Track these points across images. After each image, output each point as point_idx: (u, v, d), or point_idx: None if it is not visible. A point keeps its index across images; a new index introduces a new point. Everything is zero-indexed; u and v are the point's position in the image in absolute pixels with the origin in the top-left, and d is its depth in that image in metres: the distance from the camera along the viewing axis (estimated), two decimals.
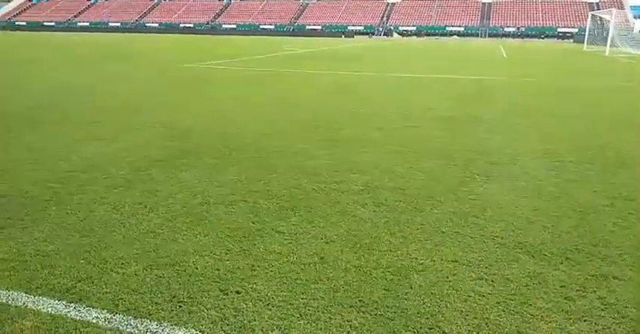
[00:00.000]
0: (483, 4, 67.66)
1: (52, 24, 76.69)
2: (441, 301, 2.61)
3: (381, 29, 66.48)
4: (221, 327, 2.38)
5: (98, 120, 7.34)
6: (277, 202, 4.00)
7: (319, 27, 68.31)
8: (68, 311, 2.50)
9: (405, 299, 2.62)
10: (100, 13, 78.39)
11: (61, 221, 3.62)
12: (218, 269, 2.92)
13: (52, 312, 2.49)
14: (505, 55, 27.48)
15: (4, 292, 2.66)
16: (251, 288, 2.72)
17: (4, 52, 24.84)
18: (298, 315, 2.48)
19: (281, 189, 4.30)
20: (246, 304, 2.57)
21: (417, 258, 3.07)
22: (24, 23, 77.58)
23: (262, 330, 2.36)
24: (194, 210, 3.84)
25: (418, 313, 2.50)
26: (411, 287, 2.74)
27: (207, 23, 73.21)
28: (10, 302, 2.57)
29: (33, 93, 10.34)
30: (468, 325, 2.41)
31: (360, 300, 2.61)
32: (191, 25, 72.75)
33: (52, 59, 20.24)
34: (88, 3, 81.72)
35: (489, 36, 62.00)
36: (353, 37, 61.90)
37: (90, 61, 19.65)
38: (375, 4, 72.09)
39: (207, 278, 2.83)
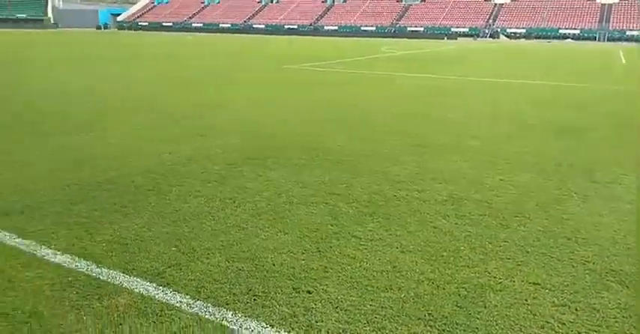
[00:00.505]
0: (603, 5, 62.40)
1: (170, 24, 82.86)
2: (515, 324, 2.50)
3: (486, 31, 63.84)
4: (290, 324, 2.49)
5: (201, 116, 7.85)
6: (357, 207, 4.05)
7: (421, 29, 67.13)
8: (157, 294, 2.74)
9: (477, 318, 2.55)
10: (212, 15, 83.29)
11: (159, 210, 3.95)
12: (293, 268, 3.03)
13: (143, 293, 2.74)
14: (624, 61, 25.18)
15: (105, 270, 2.98)
16: (322, 289, 2.80)
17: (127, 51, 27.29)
18: (365, 322, 2.51)
19: (362, 194, 4.34)
20: (315, 304, 2.66)
21: (495, 277, 2.97)
22: (146, 24, 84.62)
23: (328, 332, 2.43)
24: (278, 208, 4.01)
25: None
26: (485, 307, 2.65)
27: (310, 25, 74.95)
28: (109, 279, 2.87)
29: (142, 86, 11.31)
30: None
31: (429, 313, 2.58)
32: (295, 27, 74.92)
33: (163, 56, 21.91)
34: (202, 5, 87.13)
35: (608, 40, 57.10)
36: (456, 39, 60.08)
37: (197, 59, 21.00)
38: (481, 4, 69.32)
39: (283, 275, 2.95)
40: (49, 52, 24.84)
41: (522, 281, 2.92)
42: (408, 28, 67.85)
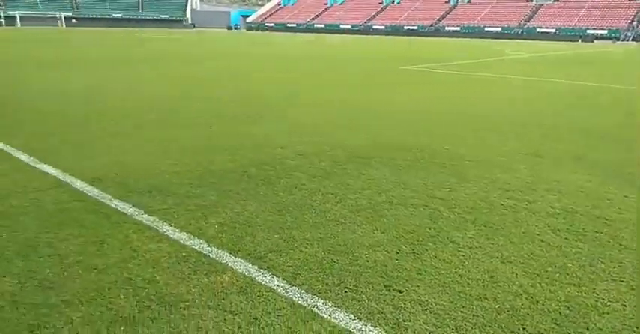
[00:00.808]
0: None
1: (294, 25, 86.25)
2: None
3: (629, 34, 57.67)
4: (377, 319, 2.54)
5: (310, 113, 8.14)
6: (458, 212, 3.97)
7: (552, 30, 62.54)
8: (257, 275, 2.95)
9: None
10: (334, 16, 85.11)
11: (267, 199, 4.21)
12: (386, 266, 3.08)
13: (245, 273, 2.97)
14: None
15: (215, 249, 3.26)
16: (413, 290, 2.81)
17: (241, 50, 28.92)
18: (453, 327, 2.49)
19: (466, 200, 4.24)
20: (404, 304, 2.68)
21: (604, 299, 2.76)
22: (272, 25, 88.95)
23: (415, 332, 2.45)
24: (377, 206, 4.06)
25: None
26: (587, 329, 2.48)
27: (431, 25, 73.43)
28: (217, 258, 3.15)
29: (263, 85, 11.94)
30: None
31: (523, 328, 2.48)
32: (415, 28, 73.91)
33: (263, 56, 22.87)
34: (325, 6, 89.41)
35: None
36: (592, 41, 55.13)
37: (309, 59, 21.63)
38: (624, 3, 62.71)
39: (375, 272, 3.01)
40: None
41: (635, 306, 2.68)
42: (538, 30, 63.62)
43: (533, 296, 2.77)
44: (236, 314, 2.57)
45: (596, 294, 2.80)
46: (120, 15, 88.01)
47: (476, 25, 69.25)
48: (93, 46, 26.91)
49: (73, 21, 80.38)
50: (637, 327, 2.50)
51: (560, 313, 2.61)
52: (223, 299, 2.71)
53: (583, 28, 60.81)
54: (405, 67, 18.01)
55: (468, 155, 5.73)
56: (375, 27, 78.15)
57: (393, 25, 76.46)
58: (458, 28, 69.73)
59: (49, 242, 3.31)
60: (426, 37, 64.75)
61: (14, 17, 74.31)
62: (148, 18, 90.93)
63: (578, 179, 4.90)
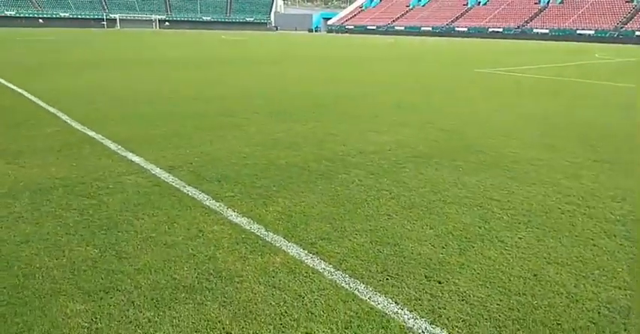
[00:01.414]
0: None
1: (374, 27, 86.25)
2: None
3: None
4: (414, 305, 2.68)
5: (377, 115, 8.27)
6: (512, 214, 3.97)
7: None
8: (306, 259, 3.18)
9: None
10: (416, 18, 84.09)
11: (324, 192, 4.44)
12: (430, 259, 3.19)
13: (296, 256, 3.21)
14: None
15: (271, 234, 3.53)
16: (453, 282, 2.92)
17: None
18: (487, 317, 2.57)
19: (522, 203, 4.22)
20: (442, 293, 2.79)
21: None
22: (352, 27, 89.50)
23: (449, 319, 2.56)
24: (430, 204, 4.16)
25: None
26: (625, 330, 2.47)
27: (517, 27, 70.44)
28: (272, 242, 3.42)
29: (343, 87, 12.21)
30: None
31: (558, 323, 2.52)
32: (500, 30, 71.27)
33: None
34: (408, 8, 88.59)
35: None
36: None
37: (385, 61, 21.63)
38: None
39: (418, 263, 3.14)
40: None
41: None
42: (637, 33, 59.05)
43: (574, 295, 2.78)
44: (283, 290, 2.82)
45: None
46: (209, 18, 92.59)
47: (567, 28, 65.56)
48: (178, 48, 28.63)
49: (166, 23, 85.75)
50: None
51: (599, 313, 2.61)
52: (273, 277, 2.96)
53: None
54: (480, 70, 17.57)
55: (533, 159, 5.63)
56: (457, 29, 76.28)
57: (477, 27, 74.21)
58: (547, 31, 66.38)
59: (128, 219, 3.75)
60: (512, 39, 62.21)
61: (115, 19, 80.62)
62: (235, 21, 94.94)
63: None
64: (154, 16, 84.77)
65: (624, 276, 3.00)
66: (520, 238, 3.52)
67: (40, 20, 75.10)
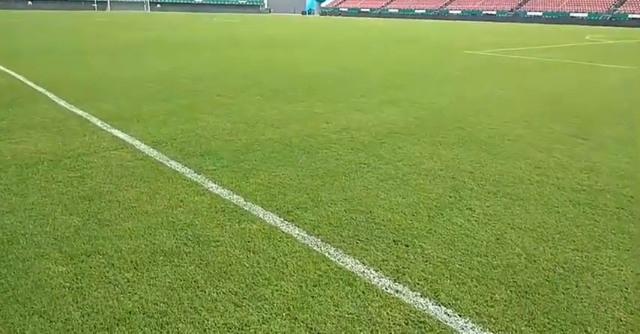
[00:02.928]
0: None
1: (368, 10, 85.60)
2: (602, 306, 2.46)
3: None
4: (380, 266, 2.83)
5: (363, 95, 8.36)
6: (483, 184, 4.12)
7: None
8: (282, 226, 3.32)
9: (563, 293, 2.57)
10: (409, 1, 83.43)
11: (304, 166, 4.56)
12: (399, 225, 3.34)
13: (272, 223, 3.35)
14: None
15: (250, 204, 3.66)
16: (419, 246, 3.07)
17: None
18: (448, 276, 2.73)
19: (494, 174, 4.37)
20: (408, 255, 2.94)
21: (602, 263, 2.88)
22: (345, 9, 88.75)
23: (411, 278, 2.71)
24: (405, 176, 4.30)
25: (575, 314, 2.44)
26: (577, 286, 2.64)
27: (511, 10, 70.16)
28: (250, 210, 3.55)
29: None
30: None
31: (514, 281, 2.68)
32: (493, 13, 70.98)
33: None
34: None
35: None
36: None
37: (371, 42, 21.60)
38: None
39: (388, 229, 3.28)
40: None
41: (632, 272, 2.78)
42: (629, 16, 59.05)
43: (533, 256, 2.94)
44: (257, 253, 2.96)
45: (596, 259, 2.91)
46: (201, 0, 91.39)
47: (560, 11, 65.40)
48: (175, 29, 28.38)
49: (158, 5, 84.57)
50: (626, 288, 2.61)
51: (554, 271, 2.77)
52: (249, 241, 3.10)
53: None
54: (469, 52, 17.61)
55: (510, 134, 5.77)
56: (451, 11, 75.88)
57: (470, 9, 73.84)
58: (540, 14, 66.22)
59: (111, 191, 3.86)
60: (505, 22, 62.00)
61: (105, 2, 79.40)
62: (227, 3, 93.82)
63: (618, 161, 4.85)
64: None
65: (582, 240, 3.16)
66: (488, 206, 3.68)
67: (30, 2, 73.91)
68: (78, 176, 4.16)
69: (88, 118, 6.16)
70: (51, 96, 7.52)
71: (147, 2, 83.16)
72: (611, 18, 60.03)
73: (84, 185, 3.98)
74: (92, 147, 4.95)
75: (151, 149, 4.93)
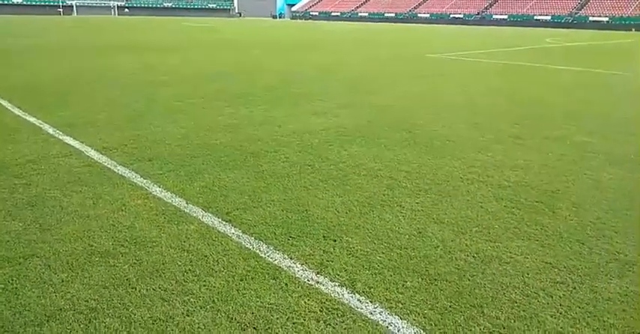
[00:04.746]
0: None
1: (338, 14, 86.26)
2: (502, 290, 2.70)
3: None
4: (306, 259, 3.01)
5: (322, 99, 8.57)
6: (417, 183, 4.36)
7: (605, 18, 59.90)
8: (219, 226, 3.47)
9: (469, 280, 2.80)
10: (378, 5, 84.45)
11: (250, 169, 4.72)
12: (331, 222, 3.53)
13: (209, 224, 3.50)
14: None
15: (191, 206, 3.81)
16: (346, 240, 3.26)
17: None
18: (367, 267, 2.93)
19: (428, 173, 4.61)
20: (333, 249, 3.14)
21: (511, 253, 3.12)
22: (316, 13, 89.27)
23: (333, 269, 2.91)
24: (345, 177, 4.50)
25: (476, 298, 2.67)
26: (483, 273, 2.87)
27: (478, 14, 71.74)
28: (189, 212, 3.69)
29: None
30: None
31: (427, 270, 2.90)
32: (461, 16, 72.45)
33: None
34: None
35: None
36: None
37: (336, 46, 21.92)
38: None
39: (321, 226, 3.47)
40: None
41: (537, 259, 3.03)
42: (590, 18, 61.09)
43: (449, 248, 3.17)
44: (191, 252, 3.11)
45: (506, 249, 3.16)
46: (170, 4, 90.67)
47: (524, 14, 67.17)
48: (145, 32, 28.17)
49: (126, 10, 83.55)
50: (527, 273, 2.86)
51: (465, 261, 3.00)
52: (184, 241, 3.25)
53: (639, 16, 57.90)
54: (432, 55, 18.06)
55: (454, 136, 6.05)
56: (420, 15, 77.12)
57: (438, 13, 75.19)
58: (505, 17, 67.90)
59: (56, 196, 3.95)
60: (472, 25, 63.38)
61: (71, 6, 78.04)
62: (196, 7, 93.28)
63: (549, 159, 5.16)
64: (112, 3, 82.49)
65: (498, 231, 3.42)
66: (417, 203, 3.91)
67: None
68: (24, 183, 4.24)
69: (41, 126, 6.19)
70: (4, 103, 7.50)
71: (114, 7, 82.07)
72: (573, 20, 61.98)
73: (29, 191, 4.05)
74: (41, 154, 5.01)
75: (101, 155, 5.02)
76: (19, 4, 75.29)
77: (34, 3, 77.18)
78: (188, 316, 2.48)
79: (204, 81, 10.50)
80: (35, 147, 5.28)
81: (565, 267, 2.95)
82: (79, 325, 2.40)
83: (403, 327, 2.39)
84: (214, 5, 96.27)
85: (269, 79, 11.05)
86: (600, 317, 2.50)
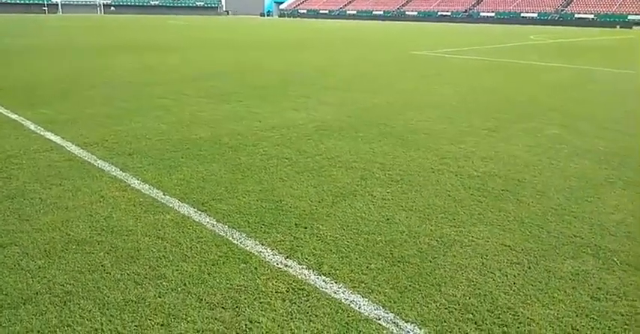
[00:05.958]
0: None
1: (327, 12, 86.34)
2: (460, 270, 2.84)
3: None
4: (277, 245, 3.13)
5: (306, 95, 8.68)
6: (390, 174, 4.49)
7: (591, 16, 60.64)
8: (194, 215, 3.58)
9: (430, 261, 2.94)
10: (367, 3, 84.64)
11: (228, 162, 4.83)
12: (304, 211, 3.66)
13: (185, 214, 3.61)
14: None
15: (168, 197, 3.91)
16: (316, 227, 3.39)
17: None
18: (336, 252, 3.06)
19: (401, 165, 4.76)
20: (304, 236, 3.26)
21: (472, 237, 3.27)
22: (305, 11, 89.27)
23: (302, 254, 3.03)
24: (321, 169, 4.63)
25: (435, 278, 2.81)
26: (444, 255, 3.01)
27: (465, 11, 72.21)
28: (166, 203, 3.79)
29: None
30: None
31: (391, 253, 3.03)
32: (448, 14, 72.89)
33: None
34: None
35: None
36: (631, 27, 53.20)
37: (323, 44, 22.04)
38: None
39: (293, 215, 3.59)
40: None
41: (496, 243, 3.18)
42: (576, 15, 61.79)
43: (414, 233, 3.31)
44: (165, 240, 3.22)
45: (468, 233, 3.31)
46: (157, 2, 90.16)
47: (511, 11, 67.72)
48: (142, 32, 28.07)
49: (112, 8, 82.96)
50: (486, 255, 3.01)
51: (428, 244, 3.15)
52: (160, 230, 3.35)
53: (624, 13, 58.70)
54: (416, 53, 18.24)
55: (429, 129, 6.20)
56: (407, 13, 77.45)
57: (426, 11, 75.56)
58: (492, 14, 68.41)
59: (35, 189, 4.04)
60: (459, 23, 63.80)
61: (56, 5, 77.34)
62: (183, 5, 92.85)
63: (519, 150, 5.33)
64: (98, 1, 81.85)
65: (463, 218, 3.56)
66: (388, 192, 4.04)
67: None
68: (4, 177, 4.31)
69: (23, 122, 6.24)
70: None
71: (100, 5, 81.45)
72: (559, 18, 62.64)
73: (9, 184, 4.13)
74: (22, 150, 5.08)
75: (81, 150, 5.10)
76: (2, 3, 74.42)
77: (18, 1, 76.40)
78: (160, 297, 2.59)
79: (190, 80, 10.56)
80: (16, 142, 5.35)
81: (522, 249, 3.11)
82: (55, 307, 2.50)
83: (364, 305, 2.52)
84: (202, 3, 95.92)
85: (250, 78, 11.13)
86: (551, 293, 2.65)
